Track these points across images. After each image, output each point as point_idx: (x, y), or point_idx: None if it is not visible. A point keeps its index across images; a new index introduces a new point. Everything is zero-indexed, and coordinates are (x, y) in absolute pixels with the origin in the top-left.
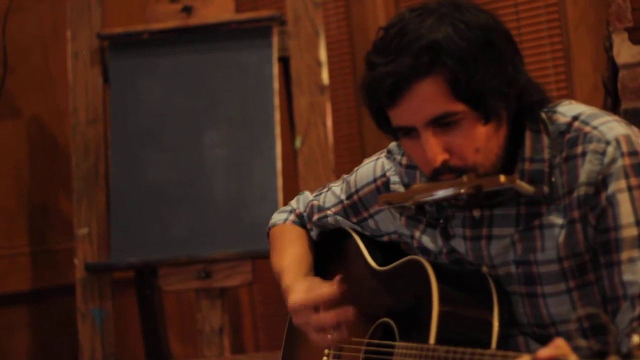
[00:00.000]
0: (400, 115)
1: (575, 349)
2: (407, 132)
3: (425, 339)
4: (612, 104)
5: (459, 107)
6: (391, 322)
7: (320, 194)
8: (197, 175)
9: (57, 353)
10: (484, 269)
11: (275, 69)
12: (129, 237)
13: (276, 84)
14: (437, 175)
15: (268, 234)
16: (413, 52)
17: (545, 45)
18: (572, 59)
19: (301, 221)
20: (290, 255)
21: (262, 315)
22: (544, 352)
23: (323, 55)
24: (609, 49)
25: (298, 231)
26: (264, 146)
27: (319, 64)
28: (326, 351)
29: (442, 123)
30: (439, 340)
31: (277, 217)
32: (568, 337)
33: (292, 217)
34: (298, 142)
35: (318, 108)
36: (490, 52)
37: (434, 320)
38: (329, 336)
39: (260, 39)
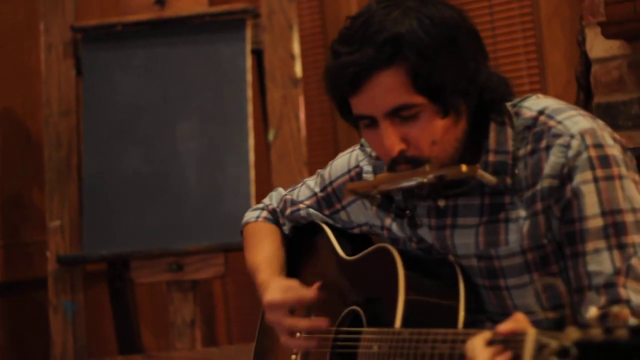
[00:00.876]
0: (361, 104)
1: (535, 323)
2: (368, 124)
3: (391, 325)
4: (585, 98)
5: (418, 99)
6: (359, 309)
7: (295, 188)
8: (170, 168)
9: (29, 345)
10: (451, 258)
11: (249, 61)
12: (101, 230)
13: (249, 77)
14: (395, 165)
15: (242, 232)
16: (376, 44)
17: (518, 39)
18: (545, 53)
19: (274, 217)
20: (264, 252)
21: (235, 307)
22: (504, 326)
23: (296, 48)
24: (582, 43)
25: (270, 228)
26: (237, 139)
27: (292, 57)
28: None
29: (401, 115)
30: (404, 325)
31: (250, 215)
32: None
33: (264, 214)
34: (271, 135)
35: (291, 101)
36: (453, 49)
37: (399, 306)
38: (297, 341)
39: (233, 32)
